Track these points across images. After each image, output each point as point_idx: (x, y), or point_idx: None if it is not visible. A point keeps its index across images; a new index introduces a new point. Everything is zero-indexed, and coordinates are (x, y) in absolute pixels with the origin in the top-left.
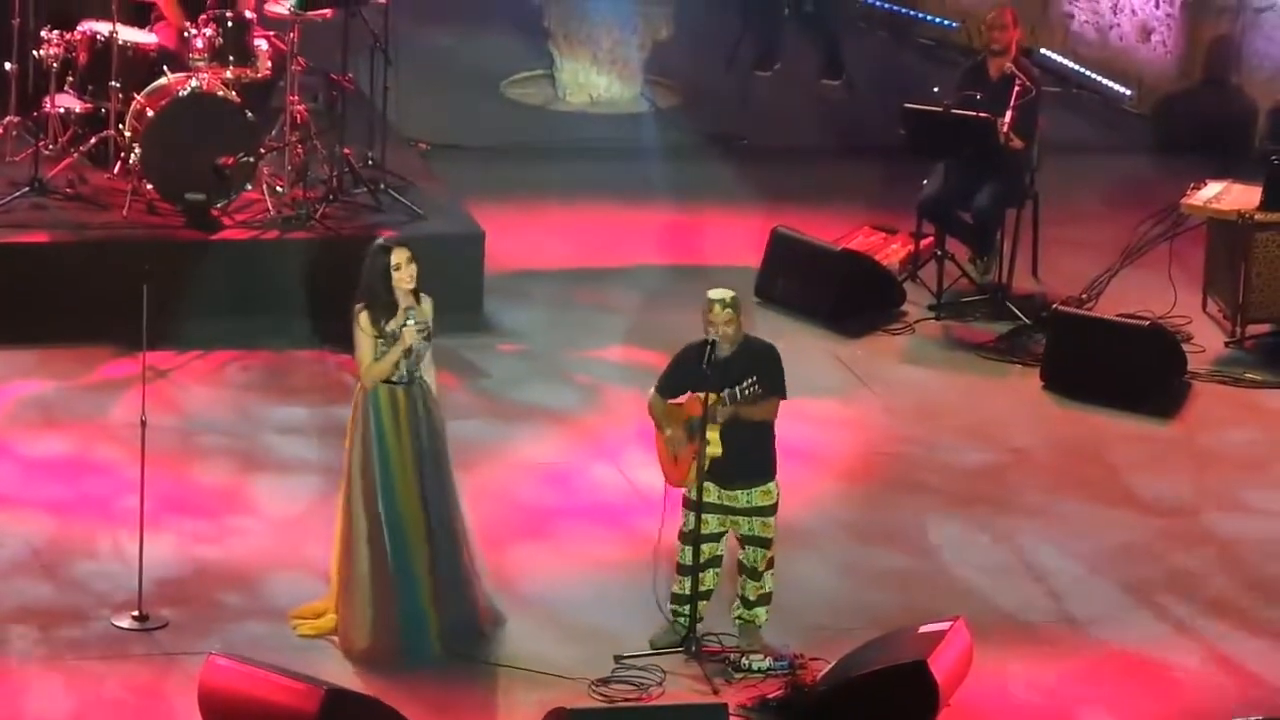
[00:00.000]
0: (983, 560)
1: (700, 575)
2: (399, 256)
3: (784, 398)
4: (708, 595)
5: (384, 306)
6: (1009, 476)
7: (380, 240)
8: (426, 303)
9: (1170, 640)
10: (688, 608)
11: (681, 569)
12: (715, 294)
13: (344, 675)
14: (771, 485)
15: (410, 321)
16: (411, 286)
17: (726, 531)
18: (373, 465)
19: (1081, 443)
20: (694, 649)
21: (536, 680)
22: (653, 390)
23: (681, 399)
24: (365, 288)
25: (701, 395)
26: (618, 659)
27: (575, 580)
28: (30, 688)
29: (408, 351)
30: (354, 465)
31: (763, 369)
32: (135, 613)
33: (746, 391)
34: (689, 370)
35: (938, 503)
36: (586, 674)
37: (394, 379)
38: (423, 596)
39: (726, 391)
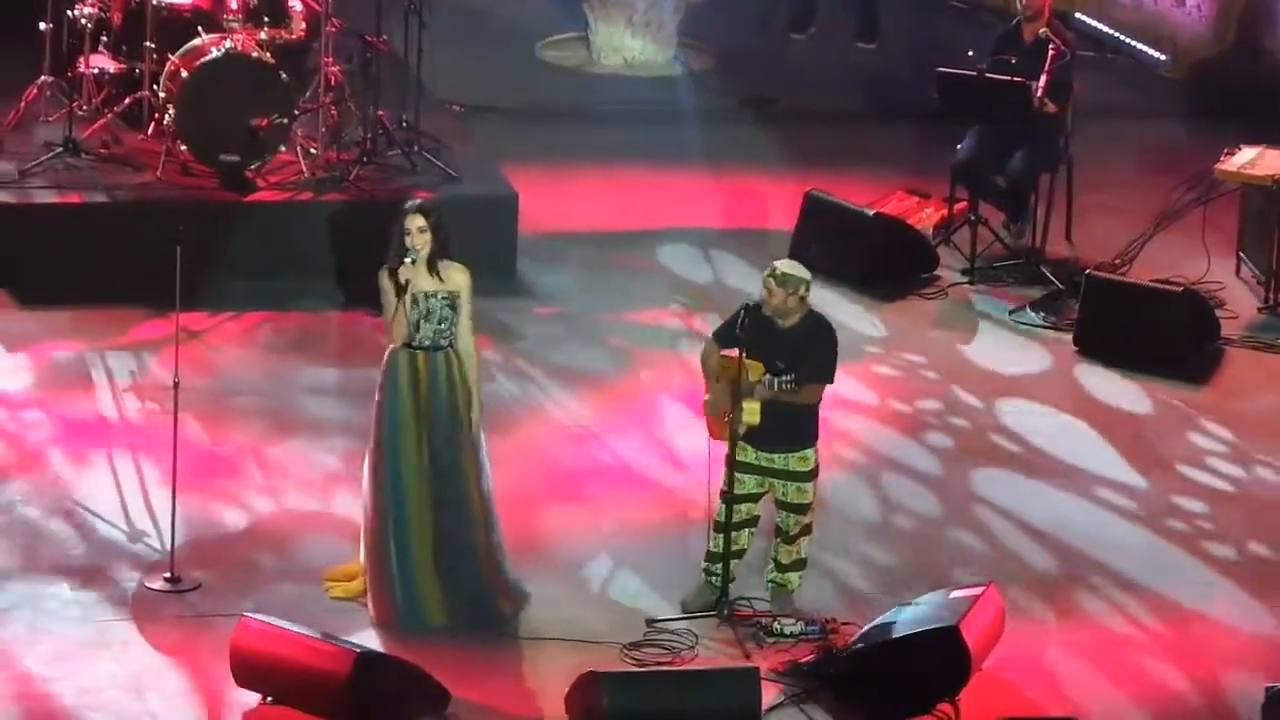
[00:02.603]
0: (1015, 525)
1: (735, 534)
2: (412, 222)
3: (830, 383)
4: (740, 554)
5: (398, 263)
6: (1042, 441)
7: (411, 201)
8: (458, 271)
9: (1205, 604)
10: (719, 566)
11: (718, 526)
12: (782, 263)
13: (376, 638)
14: (809, 452)
15: (407, 260)
16: (424, 252)
17: (764, 492)
18: (383, 429)
19: (1114, 407)
20: (726, 613)
21: (568, 644)
22: (710, 337)
23: (734, 352)
24: (391, 245)
25: (748, 357)
26: (649, 623)
27: (608, 544)
28: (62, 649)
29: (427, 315)
30: (372, 428)
31: (815, 349)
32: (167, 574)
33: (786, 386)
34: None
35: (971, 468)
36: (618, 638)
37: (414, 343)
38: (421, 567)
39: (768, 377)
